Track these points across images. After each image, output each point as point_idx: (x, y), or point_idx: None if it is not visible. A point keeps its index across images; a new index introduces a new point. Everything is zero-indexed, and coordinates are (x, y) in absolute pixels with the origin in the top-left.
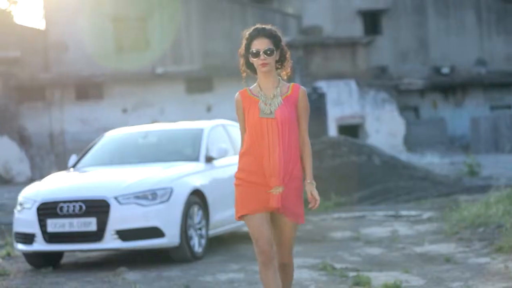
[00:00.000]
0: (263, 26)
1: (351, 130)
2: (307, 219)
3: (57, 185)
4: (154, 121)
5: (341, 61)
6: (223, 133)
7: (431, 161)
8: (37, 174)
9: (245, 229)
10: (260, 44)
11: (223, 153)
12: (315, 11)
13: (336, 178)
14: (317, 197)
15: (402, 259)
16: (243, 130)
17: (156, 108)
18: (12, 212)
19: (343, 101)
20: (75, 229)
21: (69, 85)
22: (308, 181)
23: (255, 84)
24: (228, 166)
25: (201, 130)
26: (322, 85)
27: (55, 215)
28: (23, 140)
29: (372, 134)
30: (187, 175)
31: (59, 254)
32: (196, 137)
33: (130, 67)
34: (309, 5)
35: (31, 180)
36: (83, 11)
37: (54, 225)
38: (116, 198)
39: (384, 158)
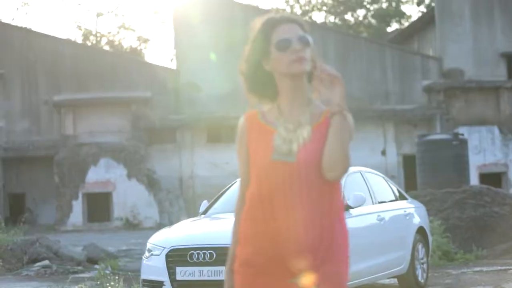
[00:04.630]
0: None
1: (493, 178)
2: (446, 272)
3: (187, 231)
4: None
5: (484, 106)
6: (360, 180)
7: None
8: (166, 219)
9: (382, 281)
10: (290, 30)
11: (361, 202)
12: (456, 53)
13: (477, 229)
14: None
15: None
16: (244, 176)
17: None
18: (139, 259)
19: (485, 148)
20: (205, 277)
21: (201, 127)
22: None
23: (271, 106)
24: (365, 215)
25: None
26: (464, 131)
27: (185, 263)
28: (151, 184)
29: None
30: None
31: None
32: None
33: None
34: (450, 47)
35: (159, 225)
36: (216, 50)
37: (184, 273)
38: None
39: None
